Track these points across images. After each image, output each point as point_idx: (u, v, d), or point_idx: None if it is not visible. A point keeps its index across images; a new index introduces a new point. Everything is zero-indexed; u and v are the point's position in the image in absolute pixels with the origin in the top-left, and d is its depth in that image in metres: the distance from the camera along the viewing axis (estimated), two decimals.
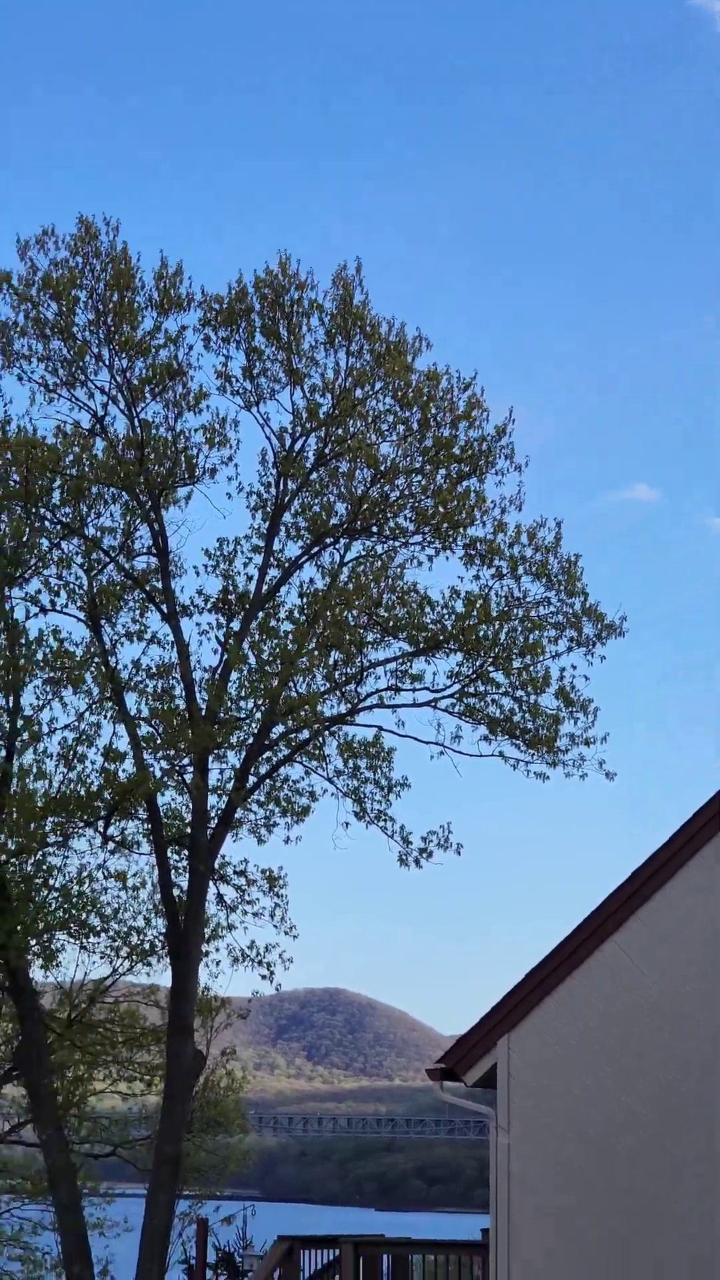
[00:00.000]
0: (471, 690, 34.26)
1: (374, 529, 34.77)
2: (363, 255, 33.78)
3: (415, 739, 34.31)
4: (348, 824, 34.94)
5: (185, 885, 33.85)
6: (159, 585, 34.07)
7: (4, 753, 32.48)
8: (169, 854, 33.86)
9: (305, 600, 34.80)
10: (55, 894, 33.82)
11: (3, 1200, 44.21)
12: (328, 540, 34.87)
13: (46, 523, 32.94)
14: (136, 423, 33.51)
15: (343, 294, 33.81)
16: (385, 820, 34.96)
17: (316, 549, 34.98)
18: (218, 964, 35.85)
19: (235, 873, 35.27)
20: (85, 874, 34.48)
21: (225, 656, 33.51)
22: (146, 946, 35.98)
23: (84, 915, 34.36)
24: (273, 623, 34.62)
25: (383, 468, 33.99)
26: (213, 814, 34.03)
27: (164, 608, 34.00)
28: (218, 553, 34.56)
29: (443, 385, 34.06)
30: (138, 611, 34.27)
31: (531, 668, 33.95)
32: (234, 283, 33.88)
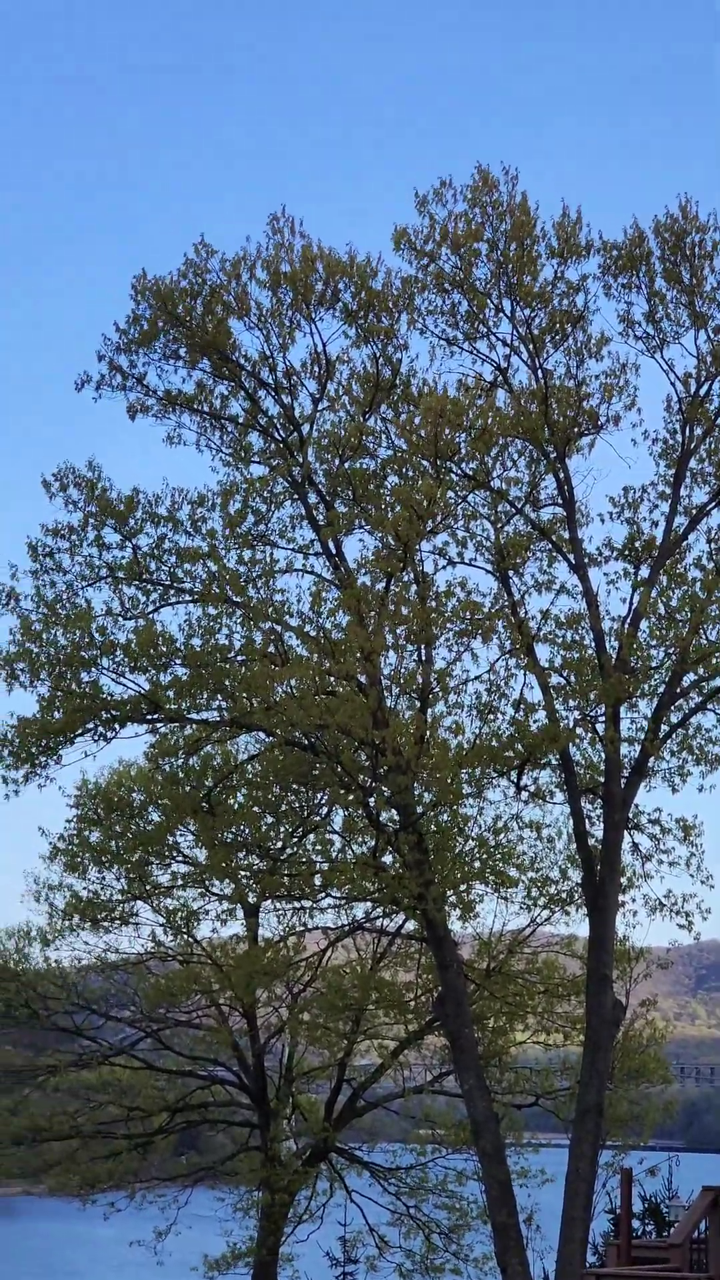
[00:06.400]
0: None
1: None
2: None
3: None
4: None
5: (600, 835, 33.75)
6: (565, 535, 33.96)
7: (419, 706, 32.79)
8: (583, 803, 33.79)
9: (714, 546, 34.36)
10: (472, 844, 34.13)
11: (427, 1150, 44.80)
12: None
13: (453, 476, 33.06)
14: (539, 372, 33.38)
15: None
16: None
17: None
18: (634, 914, 35.79)
19: (650, 822, 35.04)
20: (501, 825, 34.76)
21: (635, 605, 33.27)
22: (564, 896, 36.06)
23: (501, 865, 34.64)
24: (680, 569, 34.27)
25: None
26: (626, 763, 33.85)
27: (571, 557, 33.87)
28: (623, 500, 34.33)
29: None
30: (545, 562, 34.24)
31: None
32: (630, 227, 33.53)
